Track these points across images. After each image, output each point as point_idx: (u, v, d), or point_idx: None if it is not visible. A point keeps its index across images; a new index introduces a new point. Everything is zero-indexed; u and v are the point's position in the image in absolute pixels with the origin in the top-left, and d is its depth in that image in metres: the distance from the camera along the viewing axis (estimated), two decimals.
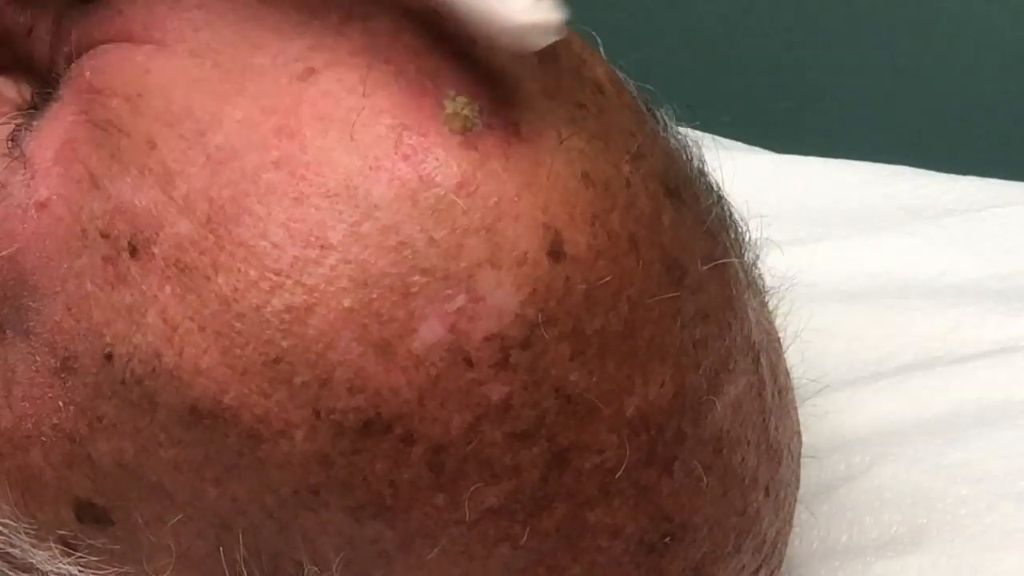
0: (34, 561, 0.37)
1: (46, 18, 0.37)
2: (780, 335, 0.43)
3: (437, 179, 0.33)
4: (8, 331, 0.35)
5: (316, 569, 0.35)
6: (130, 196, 0.34)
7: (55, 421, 0.35)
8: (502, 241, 0.33)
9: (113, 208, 0.34)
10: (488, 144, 0.34)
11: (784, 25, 0.97)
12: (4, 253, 0.35)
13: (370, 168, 0.33)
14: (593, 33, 0.40)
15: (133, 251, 0.34)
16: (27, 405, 0.35)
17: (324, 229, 0.33)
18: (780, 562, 0.42)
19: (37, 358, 0.35)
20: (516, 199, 0.34)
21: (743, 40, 0.99)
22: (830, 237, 0.63)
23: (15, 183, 0.35)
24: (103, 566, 0.36)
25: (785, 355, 0.43)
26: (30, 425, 0.35)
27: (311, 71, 0.34)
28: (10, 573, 0.37)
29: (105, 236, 0.34)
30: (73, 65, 0.36)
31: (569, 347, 0.34)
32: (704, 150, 0.40)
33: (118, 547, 0.36)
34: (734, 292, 0.38)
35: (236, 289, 0.33)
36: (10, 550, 0.37)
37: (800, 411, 0.43)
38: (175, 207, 0.34)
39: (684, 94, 0.41)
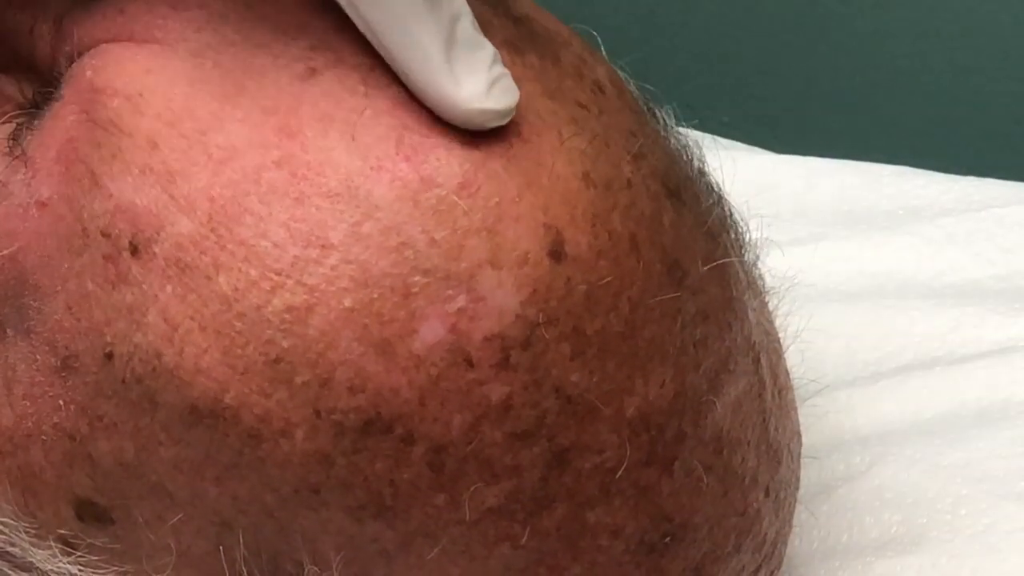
0: (34, 560, 0.37)
1: (47, 17, 0.37)
2: (780, 335, 0.43)
3: (438, 179, 0.33)
4: (9, 330, 0.35)
5: (316, 568, 0.35)
6: (131, 195, 0.34)
7: (56, 420, 0.35)
8: (503, 241, 0.33)
9: (114, 207, 0.34)
10: (489, 144, 0.34)
11: (784, 25, 0.97)
12: (5, 252, 0.35)
13: (371, 168, 0.33)
14: (594, 33, 0.40)
15: (134, 250, 0.34)
16: (28, 404, 0.35)
17: (325, 229, 0.33)
18: (780, 562, 0.42)
19: (38, 357, 0.35)
20: (517, 199, 0.34)
21: (743, 40, 0.99)
22: (830, 237, 0.63)
23: (16, 182, 0.35)
24: (103, 565, 0.36)
25: (785, 355, 0.43)
26: (31, 424, 0.35)
27: (312, 71, 0.34)
28: (10, 572, 0.37)
29: (106, 235, 0.34)
30: (74, 64, 0.36)
31: (570, 347, 0.34)
32: (704, 150, 0.40)
33: (118, 546, 0.36)
34: (734, 293, 0.38)
35: (237, 289, 0.33)
36: (10, 549, 0.37)
37: (800, 411, 0.43)
38: (176, 206, 0.34)
39: (684, 94, 0.41)
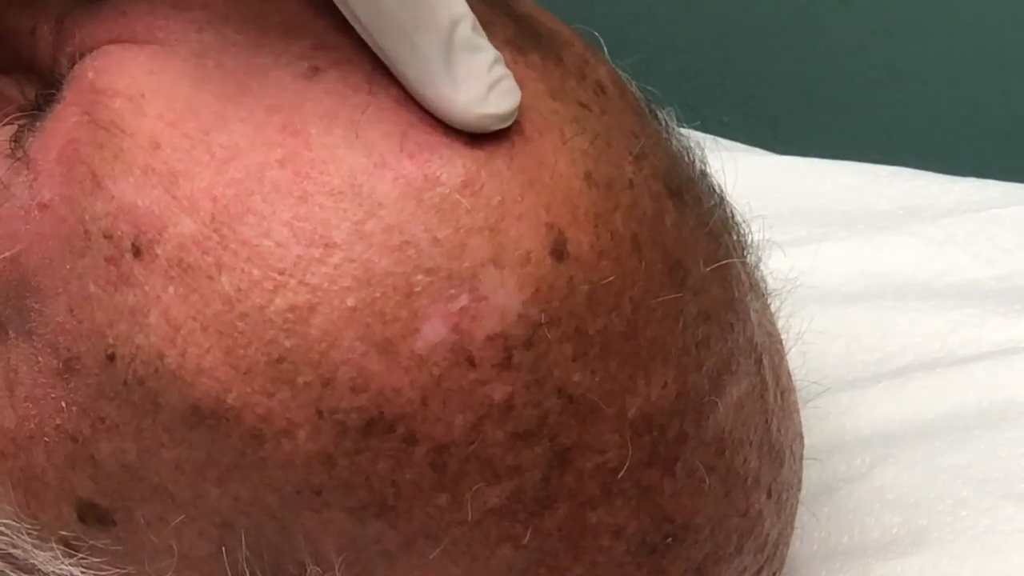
0: (36, 562, 0.37)
1: (49, 18, 0.37)
2: (783, 337, 0.43)
3: (441, 178, 0.33)
4: (11, 332, 0.35)
5: (318, 569, 0.35)
6: (133, 196, 0.34)
7: (58, 422, 0.35)
8: (505, 241, 0.33)
9: (116, 208, 0.34)
10: (492, 143, 0.34)
11: (784, 25, 0.97)
12: (7, 254, 0.35)
13: (375, 166, 0.33)
14: (596, 34, 0.40)
15: (136, 251, 0.34)
16: (30, 406, 0.35)
17: (328, 227, 0.33)
18: (782, 563, 0.42)
19: (40, 359, 0.35)
20: (519, 199, 0.34)
21: (743, 40, 0.99)
22: (830, 238, 0.63)
23: (18, 184, 0.35)
24: (105, 567, 0.36)
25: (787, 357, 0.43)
26: (33, 426, 0.35)
27: (316, 69, 0.34)
28: (12, 574, 0.37)
29: (108, 237, 0.34)
30: (76, 66, 0.36)
31: (572, 347, 0.34)
32: (705, 151, 0.40)
33: (120, 548, 0.36)
34: (736, 293, 0.38)
35: (239, 289, 0.33)
36: (12, 551, 0.37)
37: (801, 413, 0.43)
38: (178, 207, 0.34)
39: (685, 95, 0.41)
